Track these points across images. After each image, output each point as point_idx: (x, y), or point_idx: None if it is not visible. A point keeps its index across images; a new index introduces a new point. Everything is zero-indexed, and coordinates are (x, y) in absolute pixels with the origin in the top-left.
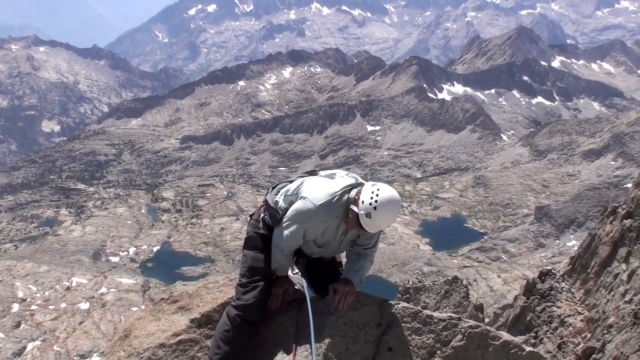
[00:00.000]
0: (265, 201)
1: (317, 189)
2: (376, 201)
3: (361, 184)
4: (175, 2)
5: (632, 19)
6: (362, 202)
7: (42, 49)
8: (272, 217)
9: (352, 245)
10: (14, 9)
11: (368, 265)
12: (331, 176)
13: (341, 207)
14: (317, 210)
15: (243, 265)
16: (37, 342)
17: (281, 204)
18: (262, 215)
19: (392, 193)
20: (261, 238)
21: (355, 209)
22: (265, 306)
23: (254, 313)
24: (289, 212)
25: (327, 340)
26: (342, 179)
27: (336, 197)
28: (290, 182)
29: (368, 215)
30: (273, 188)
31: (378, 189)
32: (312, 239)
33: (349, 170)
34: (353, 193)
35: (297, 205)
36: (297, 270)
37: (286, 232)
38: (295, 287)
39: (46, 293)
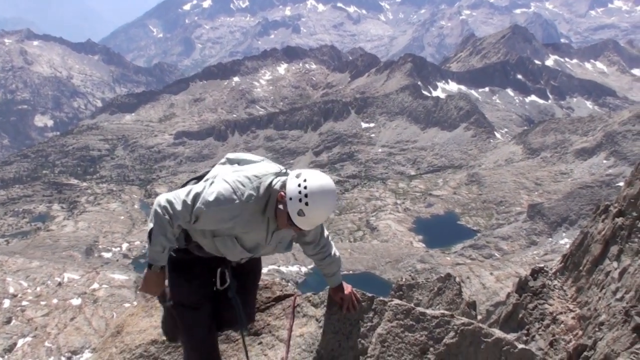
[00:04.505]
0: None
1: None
2: (306, 195)
3: (285, 174)
4: None
5: (626, 19)
6: (290, 198)
7: (35, 43)
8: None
9: (308, 251)
10: (7, 2)
11: (337, 256)
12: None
13: (264, 199)
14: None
15: None
16: (28, 339)
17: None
18: None
19: (321, 181)
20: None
21: (282, 207)
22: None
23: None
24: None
25: (320, 337)
26: (263, 163)
27: (261, 186)
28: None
29: (300, 213)
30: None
31: (305, 180)
32: (234, 234)
33: (342, 167)
34: (277, 185)
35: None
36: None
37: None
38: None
39: (37, 289)
